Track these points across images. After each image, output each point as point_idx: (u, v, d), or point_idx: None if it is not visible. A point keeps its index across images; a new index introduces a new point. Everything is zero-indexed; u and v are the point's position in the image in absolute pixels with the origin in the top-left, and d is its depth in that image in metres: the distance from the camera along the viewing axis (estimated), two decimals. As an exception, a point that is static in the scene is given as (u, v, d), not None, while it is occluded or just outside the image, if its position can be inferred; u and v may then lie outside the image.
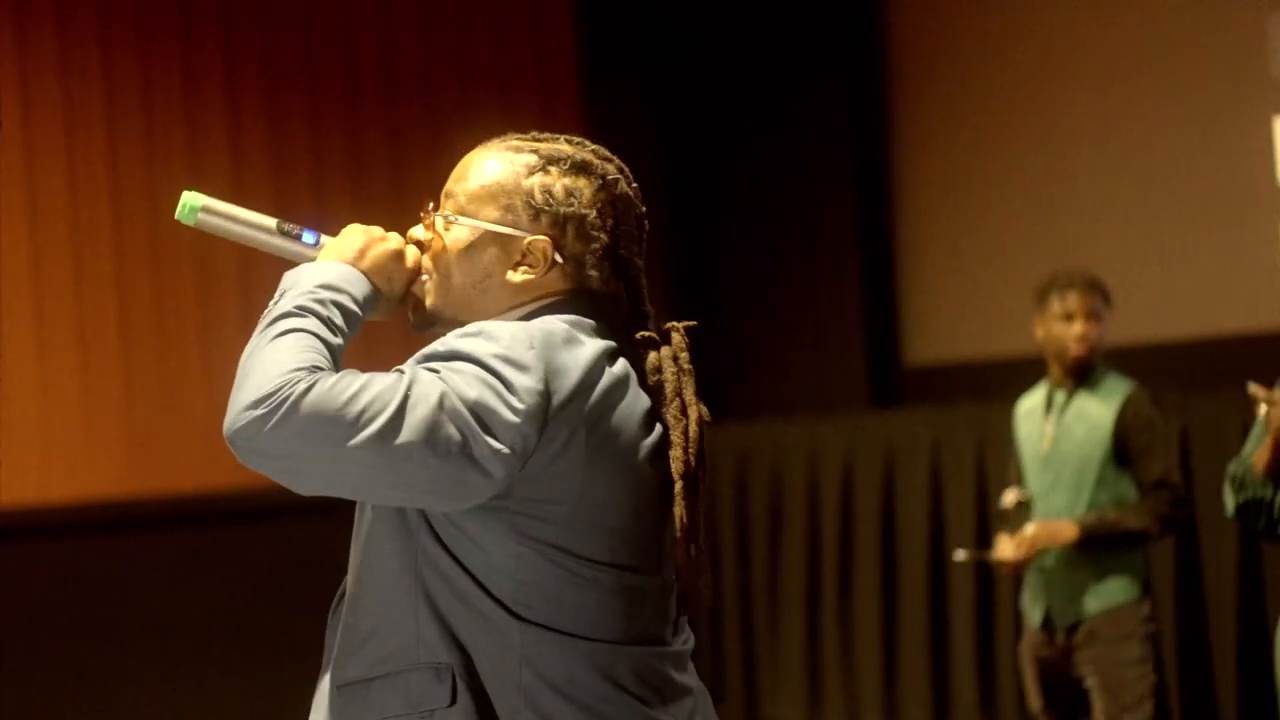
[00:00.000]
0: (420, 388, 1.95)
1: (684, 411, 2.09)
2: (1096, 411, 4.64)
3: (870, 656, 6.37)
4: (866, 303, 6.92)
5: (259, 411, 1.91)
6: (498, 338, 2.00)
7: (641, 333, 2.14)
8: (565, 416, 1.99)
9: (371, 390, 1.93)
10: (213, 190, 2.20)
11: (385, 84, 6.93)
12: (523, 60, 7.18)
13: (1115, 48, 6.19)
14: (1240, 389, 3.69)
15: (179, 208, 2.17)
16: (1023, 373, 5.01)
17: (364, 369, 1.99)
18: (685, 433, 2.08)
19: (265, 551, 6.45)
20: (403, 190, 6.74)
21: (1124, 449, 4.61)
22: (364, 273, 2.11)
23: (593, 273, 2.13)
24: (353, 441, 1.91)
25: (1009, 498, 4.81)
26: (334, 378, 1.94)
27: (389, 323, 2.22)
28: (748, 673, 6.78)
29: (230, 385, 1.96)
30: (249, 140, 6.64)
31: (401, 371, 1.98)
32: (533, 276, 2.12)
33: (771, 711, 6.71)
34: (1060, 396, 4.73)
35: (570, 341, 2.03)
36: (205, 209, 2.17)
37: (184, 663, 6.33)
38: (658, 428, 2.09)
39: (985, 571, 5.79)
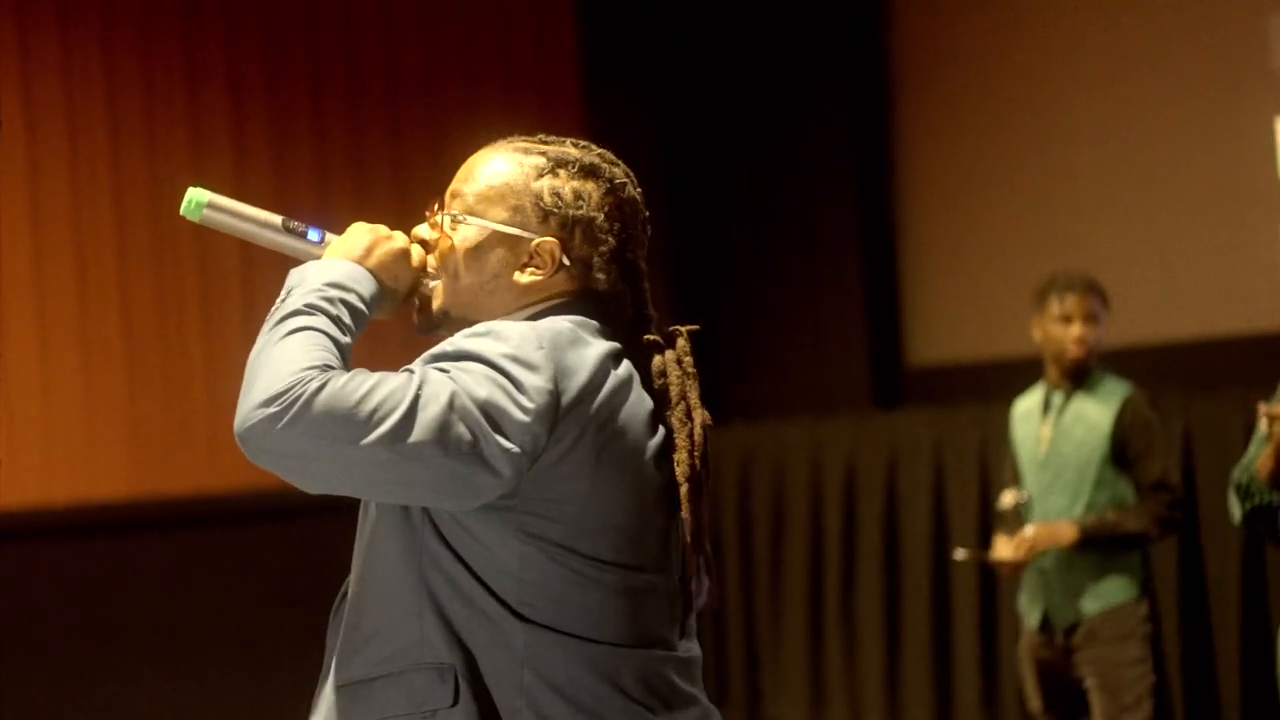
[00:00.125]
0: (431, 387, 1.95)
1: (688, 415, 2.10)
2: (1095, 414, 4.64)
3: (873, 657, 6.37)
4: (868, 303, 6.92)
5: (271, 410, 1.91)
6: (507, 337, 2.00)
7: (646, 336, 2.14)
8: (574, 416, 2.00)
9: (383, 390, 1.93)
10: (215, 190, 2.19)
11: (387, 84, 6.93)
12: (525, 60, 7.18)
13: (1115, 48, 6.18)
14: (1241, 389, 3.70)
15: (184, 203, 2.16)
16: (1025, 373, 5.01)
17: (368, 369, 1.98)
18: (690, 436, 2.09)
19: (266, 552, 6.45)
20: (405, 190, 6.74)
21: (1123, 451, 4.62)
22: (370, 271, 2.10)
23: (599, 275, 2.13)
24: (365, 440, 1.91)
25: (1007, 499, 4.81)
26: (345, 377, 1.94)
27: (393, 322, 2.22)
28: (750, 673, 6.78)
29: (233, 386, 1.96)
30: (251, 140, 6.64)
31: (411, 371, 1.98)
32: (540, 278, 2.12)
33: (774, 712, 6.70)
34: (1058, 398, 4.73)
35: (577, 342, 2.04)
36: (211, 205, 2.17)
37: (185, 663, 6.33)
38: (661, 430, 2.10)
39: (987, 572, 5.78)
